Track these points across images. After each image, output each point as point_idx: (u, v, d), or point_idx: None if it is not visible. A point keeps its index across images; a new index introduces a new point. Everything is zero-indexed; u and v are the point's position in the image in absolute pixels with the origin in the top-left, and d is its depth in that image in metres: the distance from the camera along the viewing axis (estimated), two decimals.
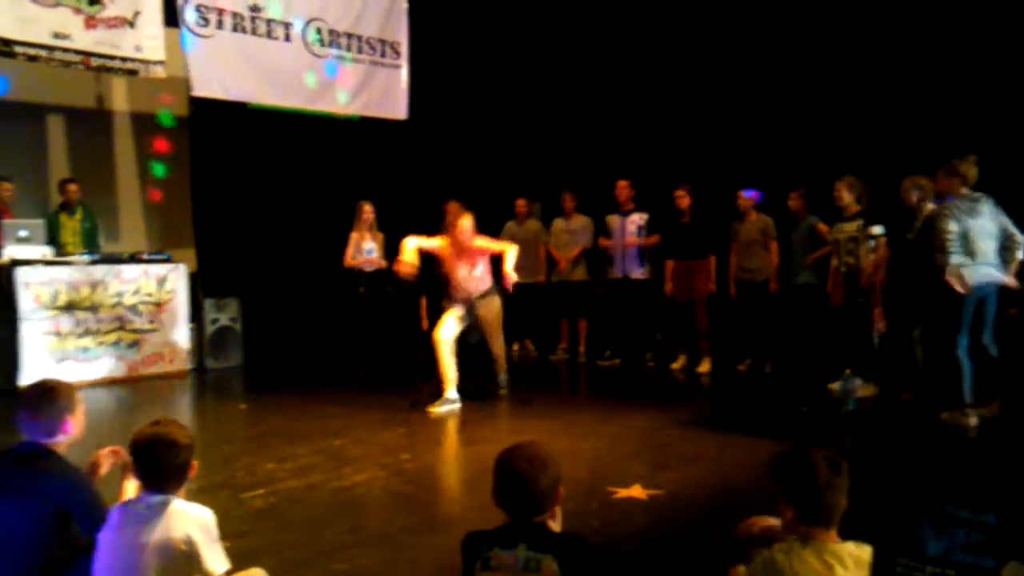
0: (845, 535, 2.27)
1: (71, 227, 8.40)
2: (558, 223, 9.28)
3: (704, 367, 8.27)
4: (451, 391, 6.54)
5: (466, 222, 6.59)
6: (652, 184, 8.91)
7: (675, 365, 8.40)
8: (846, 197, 6.85)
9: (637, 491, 4.43)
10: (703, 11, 8.78)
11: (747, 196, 7.98)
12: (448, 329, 6.68)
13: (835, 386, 6.81)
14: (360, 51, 9.36)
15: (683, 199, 8.28)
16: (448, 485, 4.63)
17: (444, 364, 6.57)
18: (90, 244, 8.45)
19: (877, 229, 6.66)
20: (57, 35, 7.30)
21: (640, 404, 6.77)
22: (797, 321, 7.64)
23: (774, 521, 2.45)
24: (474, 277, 6.77)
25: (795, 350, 7.73)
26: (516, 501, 2.28)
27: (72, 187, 8.42)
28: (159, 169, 10.03)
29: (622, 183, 8.72)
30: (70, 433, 2.99)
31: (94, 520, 2.83)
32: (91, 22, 7.50)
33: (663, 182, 8.66)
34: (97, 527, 2.79)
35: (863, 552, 2.21)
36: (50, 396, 2.99)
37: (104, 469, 3.12)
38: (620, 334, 8.95)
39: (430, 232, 6.80)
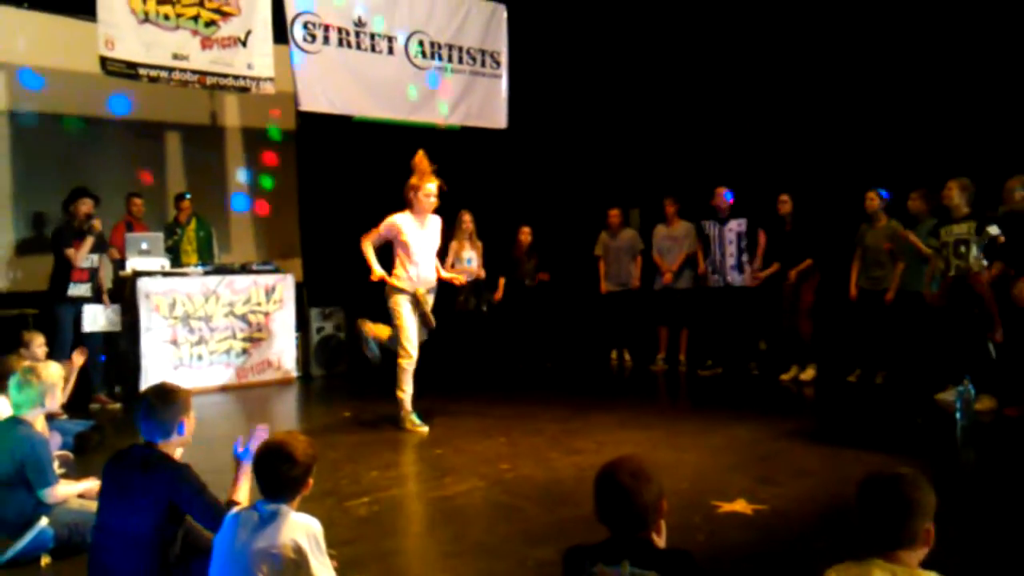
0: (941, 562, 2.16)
1: (187, 236, 8.81)
2: (660, 230, 9.17)
3: (807, 375, 8.03)
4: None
5: (431, 185, 6.21)
6: (753, 189, 8.71)
7: (786, 376, 8.16)
8: (956, 198, 6.55)
9: (742, 505, 4.33)
10: (807, 12, 8.55)
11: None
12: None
13: (944, 396, 6.51)
14: (461, 62, 9.48)
15: (785, 204, 8.07)
16: (548, 496, 4.62)
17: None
18: (205, 252, 8.83)
19: (994, 229, 6.33)
20: (176, 56, 7.64)
21: (743, 415, 6.62)
22: (906, 329, 7.33)
23: (857, 569, 2.35)
24: (432, 262, 6.39)
25: (906, 359, 7.41)
26: (619, 516, 2.26)
27: (184, 203, 8.86)
28: (268, 182, 10.42)
29: (720, 189, 8.57)
30: (184, 435, 3.15)
31: (208, 511, 2.94)
32: (207, 43, 7.83)
33: (766, 187, 8.46)
34: (214, 517, 2.90)
35: None
36: (168, 398, 3.15)
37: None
38: (722, 343, 8.77)
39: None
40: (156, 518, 2.94)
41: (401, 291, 6.24)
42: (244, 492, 3.07)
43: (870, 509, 2.19)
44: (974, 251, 6.41)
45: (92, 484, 3.86)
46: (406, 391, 6.26)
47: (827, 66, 8.47)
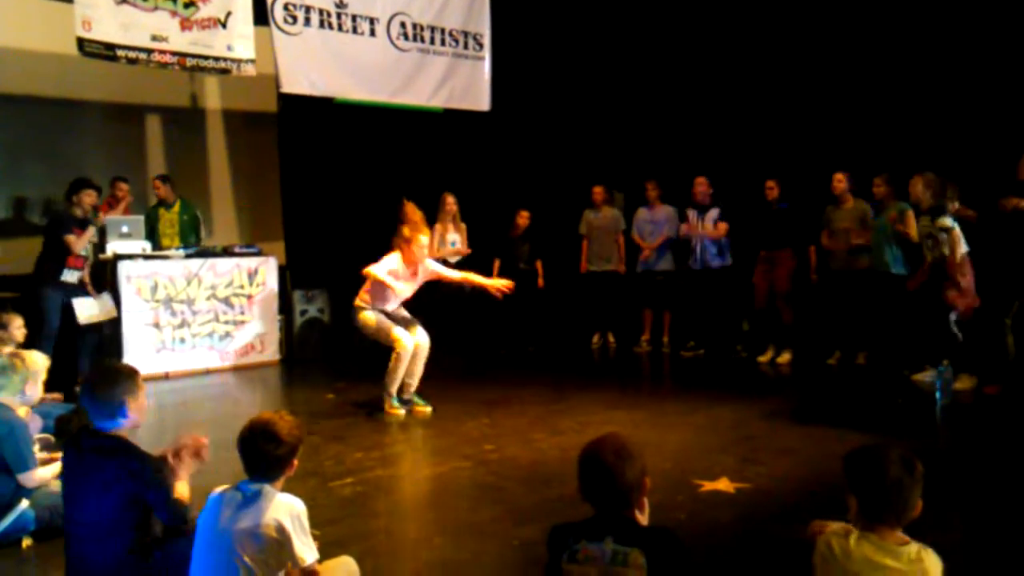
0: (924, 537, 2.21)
1: (168, 219, 8.74)
2: (641, 213, 9.18)
3: (784, 358, 8.09)
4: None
5: (424, 238, 6.23)
6: (738, 174, 8.73)
7: (763, 358, 8.22)
8: (920, 192, 6.72)
9: (724, 484, 4.37)
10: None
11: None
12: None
13: (923, 377, 6.60)
14: (443, 43, 9.41)
15: (772, 190, 8.11)
16: (532, 476, 4.64)
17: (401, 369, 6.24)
18: (190, 236, 8.75)
19: (947, 221, 6.42)
20: (155, 38, 7.54)
21: (726, 396, 6.66)
22: (884, 311, 7.39)
23: (840, 526, 2.39)
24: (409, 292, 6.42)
25: (884, 341, 7.47)
26: (603, 494, 2.28)
27: (156, 183, 8.77)
28: (249, 164, 10.34)
29: (700, 180, 8.60)
30: (129, 417, 3.02)
31: (169, 512, 2.91)
32: (186, 24, 7.73)
33: (750, 172, 8.48)
34: (173, 518, 2.88)
35: (927, 557, 2.15)
36: (109, 378, 3.05)
37: (185, 461, 3.07)
38: (704, 325, 8.81)
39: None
40: (120, 504, 2.90)
41: (369, 308, 6.25)
42: (183, 489, 3.02)
43: (864, 482, 2.22)
44: (942, 241, 6.49)
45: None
46: (394, 376, 6.21)
47: (804, 52, 8.47)
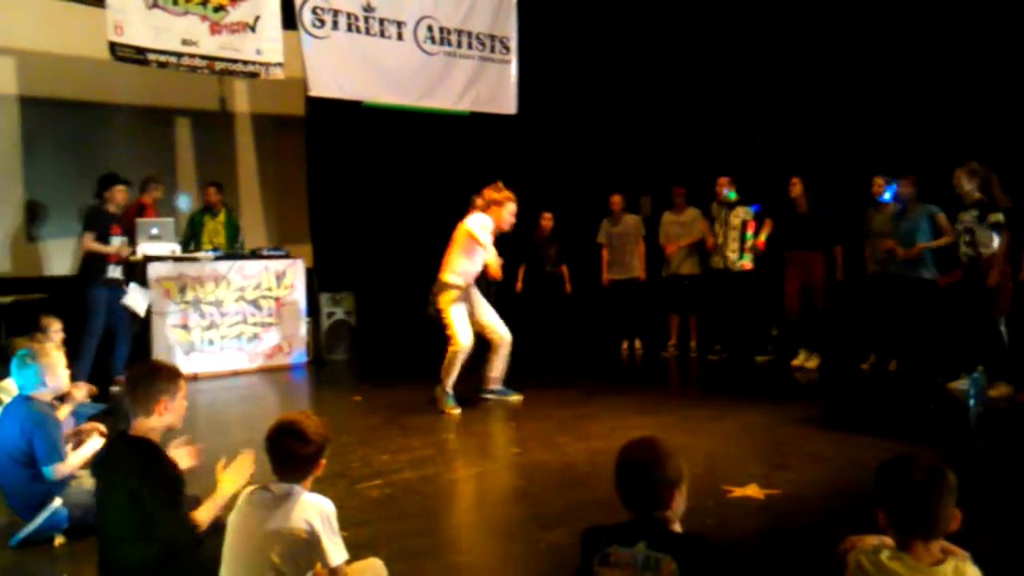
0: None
1: (212, 227, 8.84)
2: (668, 217, 9.12)
3: (813, 363, 7.99)
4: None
5: (513, 205, 6.46)
6: (766, 175, 8.66)
7: (795, 362, 8.12)
8: (965, 184, 6.54)
9: (753, 490, 4.31)
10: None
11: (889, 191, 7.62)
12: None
13: (957, 385, 6.49)
14: (470, 47, 9.42)
15: (795, 187, 8.02)
16: (560, 480, 4.61)
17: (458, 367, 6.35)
18: (231, 245, 8.85)
19: (999, 216, 6.31)
20: (185, 42, 7.61)
21: (755, 401, 6.60)
22: (918, 316, 7.28)
23: (876, 540, 2.33)
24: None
25: (918, 347, 7.36)
26: (637, 497, 2.25)
27: (210, 190, 8.91)
28: (276, 168, 10.42)
29: (722, 179, 8.52)
30: (164, 416, 3.02)
31: (167, 529, 2.89)
32: (216, 28, 7.80)
33: (779, 172, 8.40)
34: (169, 535, 2.87)
35: (968, 572, 2.08)
36: (149, 376, 3.06)
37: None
38: (731, 329, 8.73)
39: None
40: (135, 507, 2.89)
41: (455, 287, 6.34)
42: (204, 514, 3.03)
43: (890, 494, 2.17)
44: (981, 238, 6.39)
45: (96, 445, 3.91)
46: (451, 374, 6.31)
47: (836, 51, 8.38)
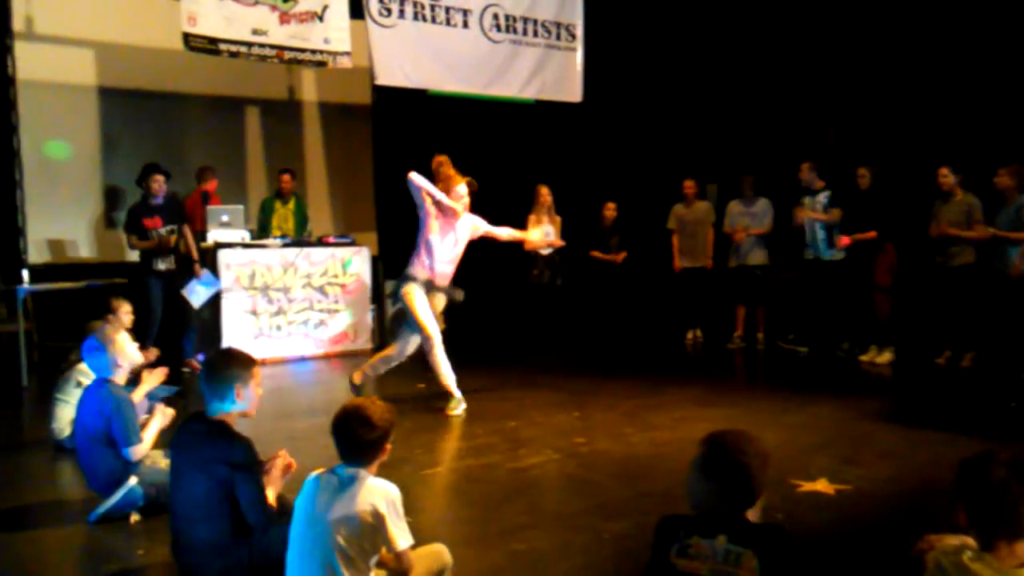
0: None
1: (282, 214, 8.97)
2: (735, 206, 8.93)
3: (884, 358, 7.76)
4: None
5: (463, 187, 6.07)
6: (838, 165, 8.43)
7: (864, 357, 7.91)
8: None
9: (823, 485, 4.22)
10: None
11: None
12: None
13: None
14: (536, 35, 9.37)
15: (863, 179, 7.78)
16: (623, 471, 4.57)
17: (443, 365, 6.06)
18: (300, 232, 8.96)
19: None
20: (255, 31, 7.74)
21: (825, 394, 6.45)
22: (1001, 310, 7.01)
23: (957, 540, 2.24)
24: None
25: (996, 340, 7.10)
26: (731, 491, 2.19)
27: (285, 177, 9.01)
28: (343, 156, 10.55)
29: (805, 165, 8.30)
30: (239, 402, 3.09)
31: (256, 511, 2.95)
32: (285, 18, 7.91)
33: (850, 162, 8.17)
34: (259, 518, 2.92)
35: None
36: (226, 362, 3.13)
37: (274, 475, 3.16)
38: (807, 319, 8.52)
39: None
40: (216, 488, 2.96)
41: (414, 279, 6.08)
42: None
43: (972, 492, 2.09)
44: None
45: (166, 419, 4.04)
46: (443, 375, 6.05)
47: (910, 39, 8.13)
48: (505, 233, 6.52)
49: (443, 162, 6.21)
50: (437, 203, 6.04)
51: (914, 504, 3.95)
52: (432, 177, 6.13)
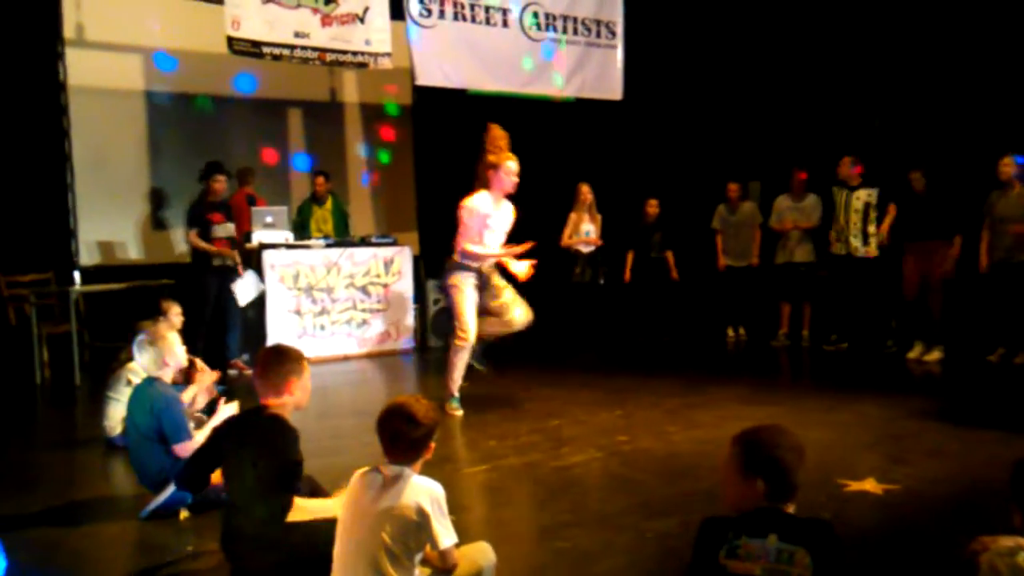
0: None
1: (320, 216, 9.08)
2: (783, 201, 8.81)
3: (934, 356, 7.60)
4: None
5: (512, 163, 5.78)
6: (885, 160, 8.28)
7: (911, 355, 7.77)
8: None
9: (871, 485, 4.16)
10: None
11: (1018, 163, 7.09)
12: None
13: None
14: (576, 32, 9.35)
15: (918, 182, 7.61)
16: (666, 469, 4.54)
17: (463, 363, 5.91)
18: (341, 232, 9.08)
19: None
20: (298, 34, 7.84)
21: (871, 393, 6.34)
22: None
23: (1011, 542, 2.19)
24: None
25: None
26: (773, 488, 2.18)
27: (319, 179, 9.13)
28: (385, 156, 10.63)
29: (846, 159, 8.16)
30: (294, 395, 3.18)
31: (265, 494, 3.01)
32: (326, 20, 7.99)
33: (898, 158, 8.02)
34: (264, 501, 2.98)
35: None
36: (278, 358, 3.22)
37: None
38: (848, 317, 8.40)
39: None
40: (264, 477, 3.01)
41: (466, 268, 5.93)
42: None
43: (1019, 490, 2.04)
44: None
45: (218, 418, 4.07)
46: (455, 376, 5.95)
47: (962, 27, 7.96)
48: (501, 251, 6.09)
49: (501, 136, 5.97)
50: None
51: (965, 504, 3.87)
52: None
